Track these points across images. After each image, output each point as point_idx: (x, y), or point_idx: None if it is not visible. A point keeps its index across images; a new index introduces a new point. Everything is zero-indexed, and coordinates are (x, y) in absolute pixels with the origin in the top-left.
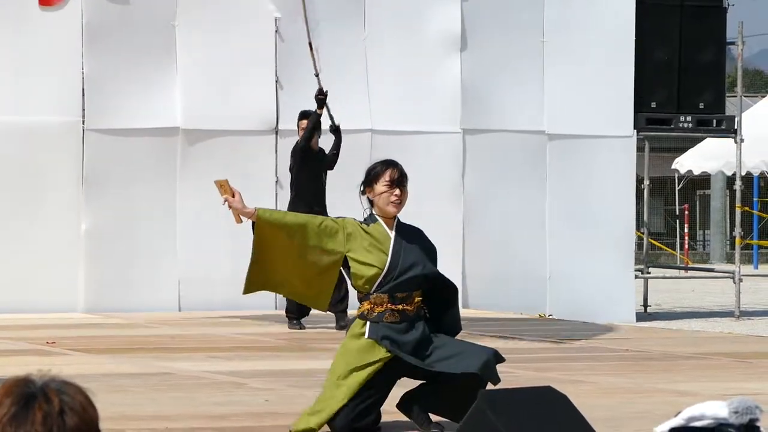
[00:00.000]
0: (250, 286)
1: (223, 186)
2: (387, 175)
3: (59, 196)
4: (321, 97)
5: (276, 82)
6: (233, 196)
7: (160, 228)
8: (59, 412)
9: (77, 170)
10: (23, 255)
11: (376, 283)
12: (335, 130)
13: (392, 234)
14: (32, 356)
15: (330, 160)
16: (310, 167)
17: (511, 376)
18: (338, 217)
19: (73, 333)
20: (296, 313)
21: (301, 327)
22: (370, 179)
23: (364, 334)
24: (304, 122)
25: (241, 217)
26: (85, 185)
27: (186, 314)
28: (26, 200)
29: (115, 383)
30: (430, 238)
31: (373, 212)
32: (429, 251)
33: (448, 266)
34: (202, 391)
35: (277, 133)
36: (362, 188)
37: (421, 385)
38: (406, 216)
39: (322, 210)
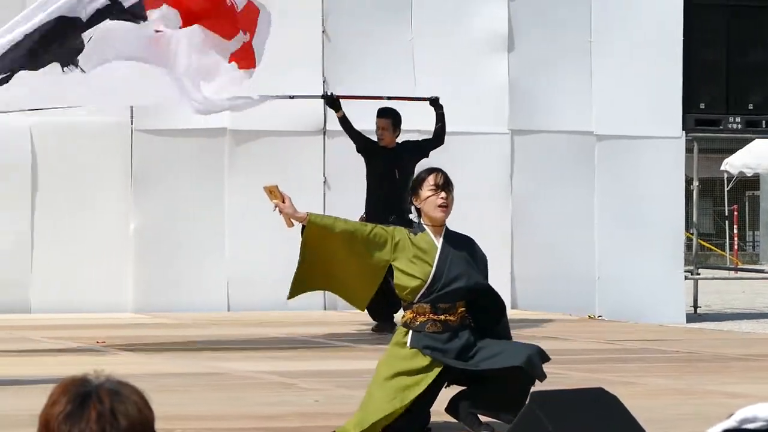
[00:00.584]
0: (295, 290)
1: (273, 191)
2: (431, 180)
3: (108, 196)
4: (327, 101)
5: (323, 82)
6: (283, 201)
7: (208, 228)
8: (114, 412)
9: (126, 170)
10: (73, 255)
11: (419, 294)
12: (432, 103)
13: (439, 244)
14: (82, 356)
15: (435, 135)
16: (376, 165)
17: (561, 377)
18: (389, 225)
19: (123, 333)
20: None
21: (389, 332)
22: (415, 186)
23: (406, 343)
24: (381, 121)
25: (292, 220)
26: (133, 185)
27: (234, 314)
28: (75, 200)
29: (164, 383)
30: (479, 240)
31: (421, 221)
32: (478, 262)
33: (496, 268)
34: (252, 392)
35: (324, 133)
36: (409, 197)
37: (468, 386)
38: (454, 216)
39: (393, 209)
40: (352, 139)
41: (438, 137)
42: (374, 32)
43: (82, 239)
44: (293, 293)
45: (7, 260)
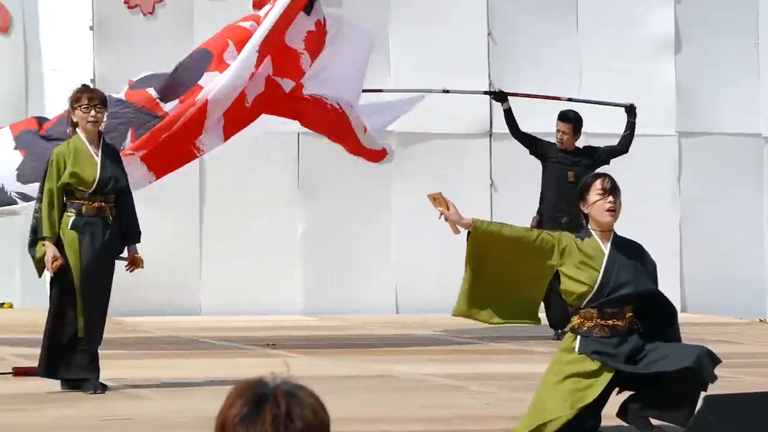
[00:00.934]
0: (461, 308)
1: (437, 199)
2: (599, 184)
3: (276, 199)
4: (494, 97)
5: (489, 84)
6: (447, 209)
7: (375, 231)
8: (289, 414)
9: (293, 174)
10: (241, 258)
11: (586, 299)
12: (628, 110)
13: (607, 250)
14: (253, 357)
15: (622, 144)
16: (551, 167)
17: (732, 381)
18: (556, 231)
19: (291, 335)
20: (561, 325)
21: (559, 338)
22: (582, 191)
23: (574, 348)
24: (563, 125)
25: (458, 227)
26: (301, 189)
27: (403, 317)
28: (244, 204)
29: (334, 385)
30: (647, 243)
31: (589, 227)
32: (647, 268)
33: (665, 270)
34: (420, 394)
35: (491, 135)
36: (577, 203)
37: (638, 390)
38: (622, 219)
39: (565, 212)
40: (522, 142)
41: (624, 146)
42: (540, 34)
43: (250, 242)
44: (459, 311)
45: (176, 263)
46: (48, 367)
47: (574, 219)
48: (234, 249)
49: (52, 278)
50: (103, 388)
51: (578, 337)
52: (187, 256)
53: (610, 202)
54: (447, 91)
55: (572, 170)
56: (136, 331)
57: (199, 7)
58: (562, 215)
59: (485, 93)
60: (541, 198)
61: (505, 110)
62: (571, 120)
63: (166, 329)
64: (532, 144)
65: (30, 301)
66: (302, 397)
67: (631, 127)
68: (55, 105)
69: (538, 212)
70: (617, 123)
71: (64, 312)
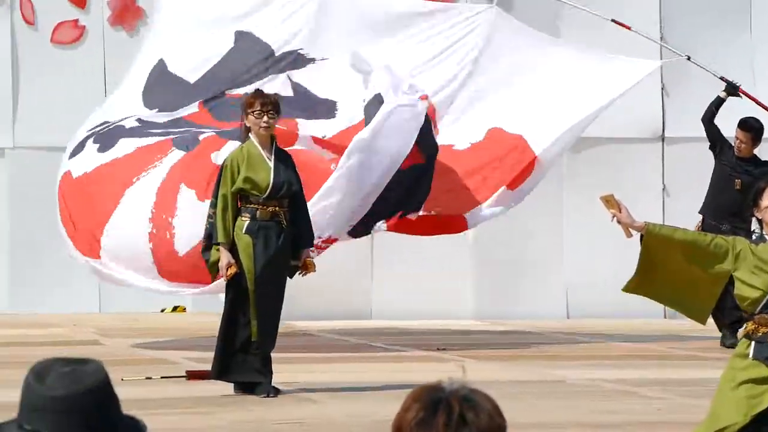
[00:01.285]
0: (630, 288)
1: (609, 201)
2: None
3: None
4: (728, 84)
5: (662, 88)
6: (620, 211)
7: (546, 235)
8: (463, 419)
9: None
10: (413, 262)
11: (761, 305)
12: None
13: None
14: (423, 362)
15: None
16: (722, 170)
17: None
18: (728, 236)
19: (462, 339)
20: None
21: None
22: (754, 196)
23: (748, 354)
24: (742, 133)
25: (631, 230)
26: None
27: (574, 321)
28: None
29: (505, 390)
30: None
31: (763, 233)
32: None
33: None
34: (592, 399)
35: (663, 140)
36: (750, 208)
37: None
38: None
39: (726, 218)
40: (707, 132)
41: None
42: (712, 38)
43: (421, 247)
44: (628, 289)
45: (348, 267)
46: (221, 370)
47: (735, 225)
48: (405, 253)
49: (227, 282)
50: (276, 391)
51: (753, 342)
52: (359, 260)
53: None
54: (689, 58)
55: (741, 178)
56: (307, 335)
57: None
58: (722, 223)
59: (722, 79)
60: (705, 199)
61: (722, 98)
62: (752, 129)
63: (337, 333)
64: (715, 139)
65: (202, 304)
66: (479, 402)
67: None
68: None
69: (700, 212)
70: None
71: (238, 315)
